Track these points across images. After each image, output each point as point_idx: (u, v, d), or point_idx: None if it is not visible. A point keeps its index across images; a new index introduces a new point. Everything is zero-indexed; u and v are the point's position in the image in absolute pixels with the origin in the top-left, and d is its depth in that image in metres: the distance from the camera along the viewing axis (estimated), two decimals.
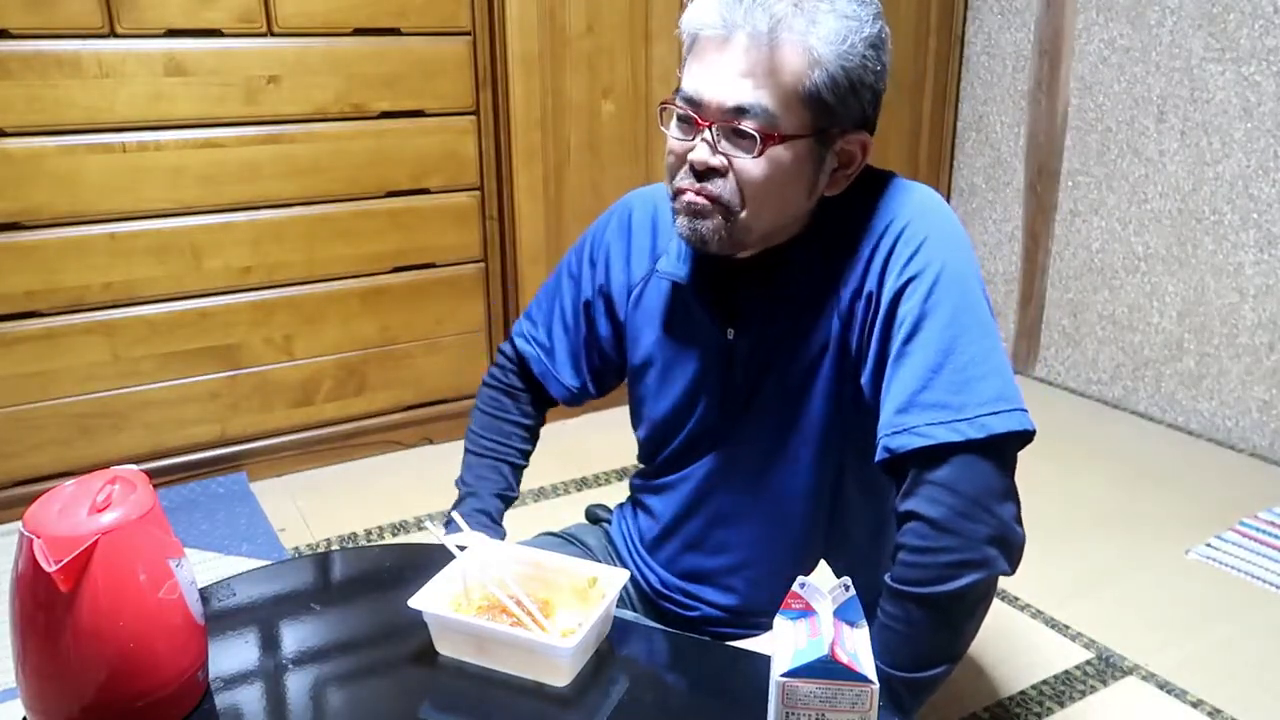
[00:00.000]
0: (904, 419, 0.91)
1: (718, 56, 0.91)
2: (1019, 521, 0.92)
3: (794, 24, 0.89)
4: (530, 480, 2.31)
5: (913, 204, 0.98)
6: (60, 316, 2.05)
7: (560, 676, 0.87)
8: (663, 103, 0.98)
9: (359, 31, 2.19)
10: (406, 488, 2.31)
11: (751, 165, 0.92)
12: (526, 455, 1.31)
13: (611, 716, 0.85)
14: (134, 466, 0.82)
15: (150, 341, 2.15)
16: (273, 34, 2.10)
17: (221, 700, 0.85)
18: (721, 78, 0.91)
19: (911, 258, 0.94)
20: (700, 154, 0.93)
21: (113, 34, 1.96)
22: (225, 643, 0.92)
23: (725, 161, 0.93)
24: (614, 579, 0.93)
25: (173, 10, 2.00)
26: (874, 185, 1.01)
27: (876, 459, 0.94)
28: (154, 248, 2.11)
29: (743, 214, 0.94)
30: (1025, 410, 0.91)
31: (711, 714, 0.88)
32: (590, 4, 2.40)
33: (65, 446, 2.12)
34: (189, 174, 2.10)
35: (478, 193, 2.43)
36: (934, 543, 0.88)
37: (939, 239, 0.95)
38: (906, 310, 0.93)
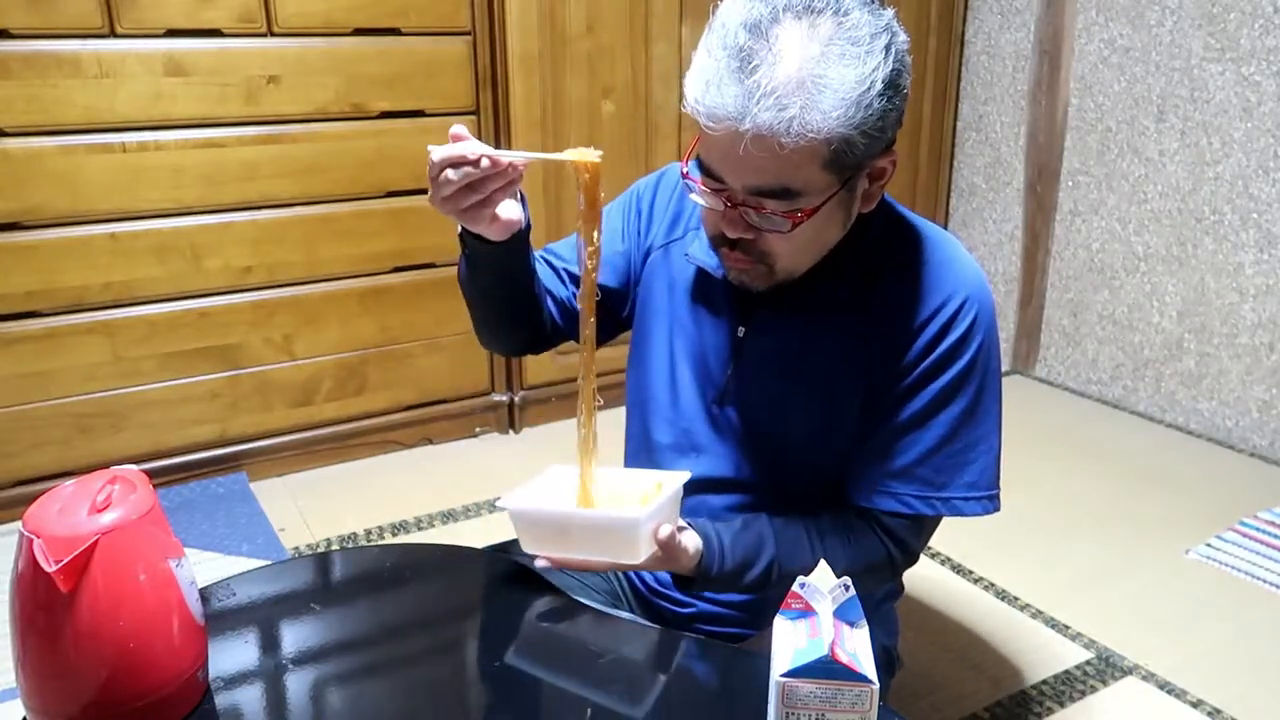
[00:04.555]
0: (892, 484, 1.01)
1: (729, 146, 0.87)
2: None
3: (805, 117, 0.83)
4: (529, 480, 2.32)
5: (965, 276, 1.00)
6: (60, 316, 2.05)
7: (636, 551, 0.91)
8: (684, 174, 0.96)
9: (359, 31, 2.19)
10: (406, 488, 2.31)
11: (784, 236, 0.92)
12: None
13: (611, 716, 0.85)
14: (134, 466, 0.82)
15: (150, 341, 2.15)
16: (273, 34, 2.10)
17: (221, 700, 0.85)
18: (736, 167, 0.88)
19: (957, 342, 0.98)
20: (733, 230, 0.93)
21: (113, 34, 1.96)
22: (225, 643, 0.92)
23: (755, 233, 0.93)
24: (678, 477, 0.98)
25: (173, 10, 2.00)
26: (916, 231, 1.02)
27: (852, 495, 1.04)
28: (154, 248, 2.11)
29: (783, 263, 0.96)
30: (994, 494, 1.03)
31: (711, 714, 0.88)
32: (590, 4, 2.40)
33: (65, 446, 2.12)
34: (189, 174, 2.10)
35: None
36: (875, 560, 1.03)
37: (982, 321, 0.99)
38: (935, 388, 0.99)
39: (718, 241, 0.97)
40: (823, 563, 0.82)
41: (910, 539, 1.03)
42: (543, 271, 1.15)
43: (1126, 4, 2.62)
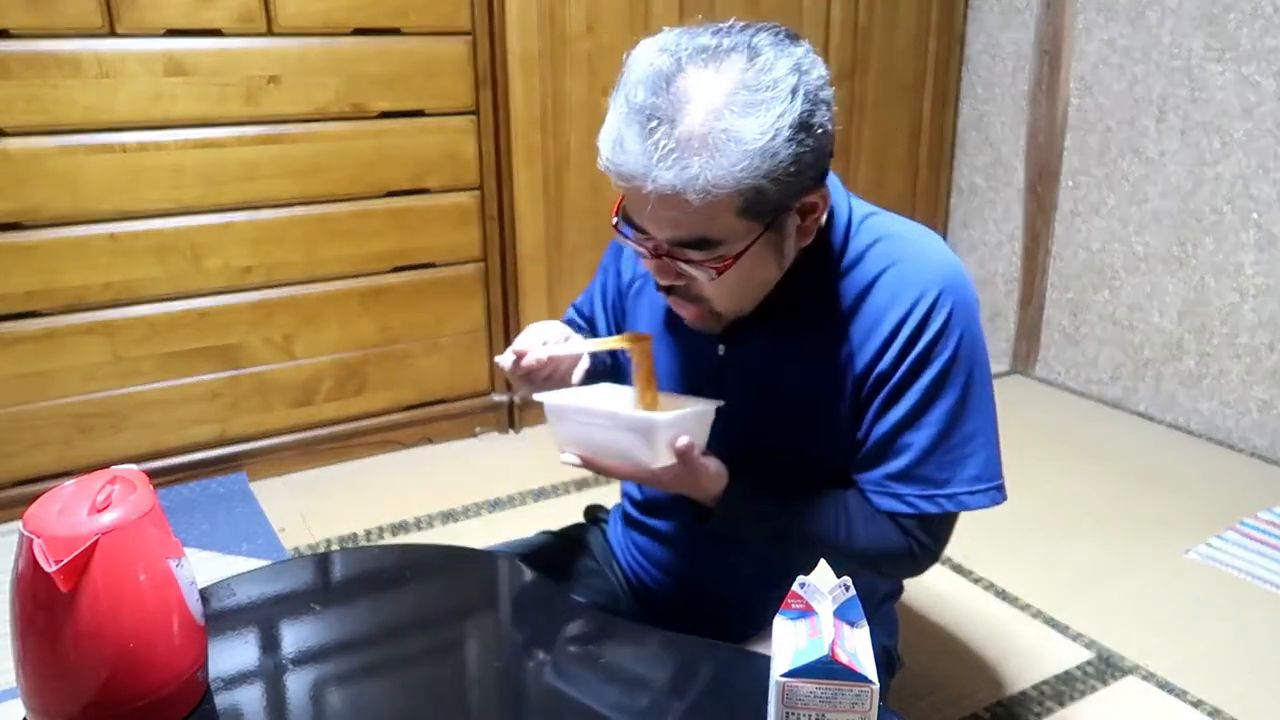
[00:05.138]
0: (894, 485, 1.01)
1: (642, 202, 0.87)
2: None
3: (708, 174, 0.83)
4: (529, 480, 2.32)
5: (936, 270, 0.98)
6: (60, 316, 2.05)
7: (653, 454, 0.92)
8: (614, 226, 0.97)
9: (359, 31, 2.19)
10: (406, 488, 2.31)
11: (714, 280, 0.93)
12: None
13: (611, 716, 0.85)
14: (134, 466, 0.82)
15: (150, 341, 2.15)
16: (273, 34, 2.10)
17: (221, 700, 0.85)
18: (653, 221, 0.89)
19: (934, 339, 0.97)
20: (663, 278, 0.95)
21: (113, 34, 1.96)
22: (225, 643, 0.92)
23: (687, 280, 0.95)
24: (712, 401, 1.00)
25: (173, 10, 2.00)
26: (890, 234, 1.01)
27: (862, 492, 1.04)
28: (154, 248, 2.11)
29: (722, 305, 0.98)
30: (1000, 485, 1.02)
31: (711, 714, 0.88)
32: (590, 4, 2.40)
33: (65, 446, 2.12)
34: (189, 174, 2.10)
35: (478, 193, 2.43)
36: (894, 547, 1.03)
37: (959, 314, 0.98)
38: (920, 387, 0.98)
39: (658, 288, 0.99)
40: (823, 563, 0.82)
41: (925, 537, 1.03)
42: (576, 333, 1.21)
43: (1126, 4, 2.62)
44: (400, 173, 2.32)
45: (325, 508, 2.21)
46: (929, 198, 3.18)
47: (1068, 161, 2.86)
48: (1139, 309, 2.74)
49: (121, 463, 2.10)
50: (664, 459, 0.93)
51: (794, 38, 0.89)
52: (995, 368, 3.11)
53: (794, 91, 0.84)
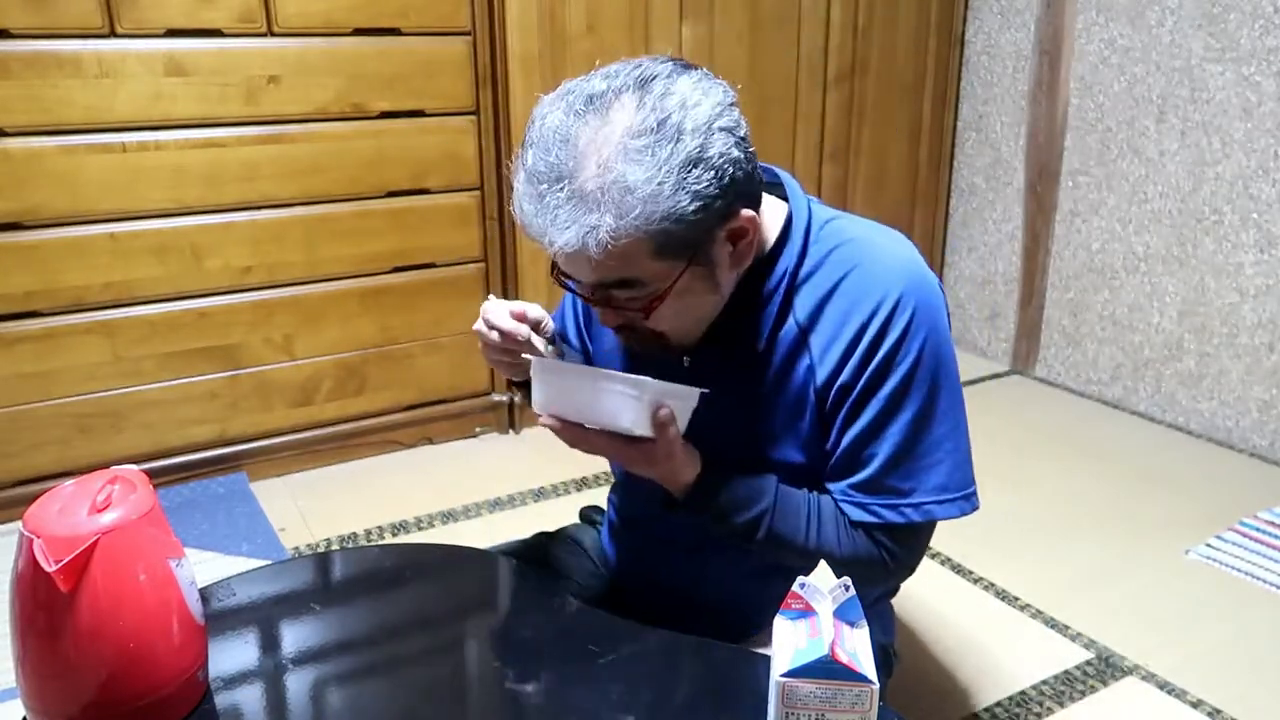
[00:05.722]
0: (860, 496, 1.00)
1: (559, 256, 0.89)
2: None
3: (600, 232, 0.84)
4: (529, 480, 2.32)
5: (895, 272, 0.97)
6: (60, 316, 2.05)
7: (634, 418, 0.91)
8: (551, 274, 0.97)
9: (359, 31, 2.19)
10: (406, 488, 2.31)
11: (651, 318, 0.93)
12: None
13: (611, 717, 0.85)
14: (134, 466, 0.82)
15: (150, 341, 2.15)
16: (273, 34, 2.10)
17: (221, 700, 0.85)
18: (574, 268, 0.90)
19: (895, 346, 0.96)
20: (604, 319, 0.97)
21: (113, 34, 1.96)
22: (225, 643, 0.92)
23: (626, 319, 0.95)
24: (696, 390, 0.97)
25: (173, 10, 2.00)
26: (849, 239, 1.00)
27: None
28: (154, 248, 2.11)
29: (669, 335, 0.98)
30: (969, 494, 1.01)
31: (711, 714, 0.88)
32: (590, 4, 2.40)
33: (65, 446, 2.12)
34: (189, 174, 2.10)
35: (478, 193, 2.43)
36: (865, 555, 1.01)
37: (921, 318, 0.96)
38: (882, 396, 0.97)
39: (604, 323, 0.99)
40: (822, 563, 0.82)
41: (895, 547, 1.01)
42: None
43: (1126, 4, 2.62)
44: (400, 173, 2.32)
45: (325, 508, 2.21)
46: (929, 198, 3.18)
47: (1068, 161, 2.86)
48: (1139, 309, 2.74)
49: (121, 463, 2.10)
50: (645, 427, 0.92)
51: (686, 67, 0.89)
52: (995, 367, 3.11)
53: (679, 130, 0.84)
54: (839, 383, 0.98)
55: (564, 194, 0.85)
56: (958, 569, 1.97)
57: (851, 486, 1.00)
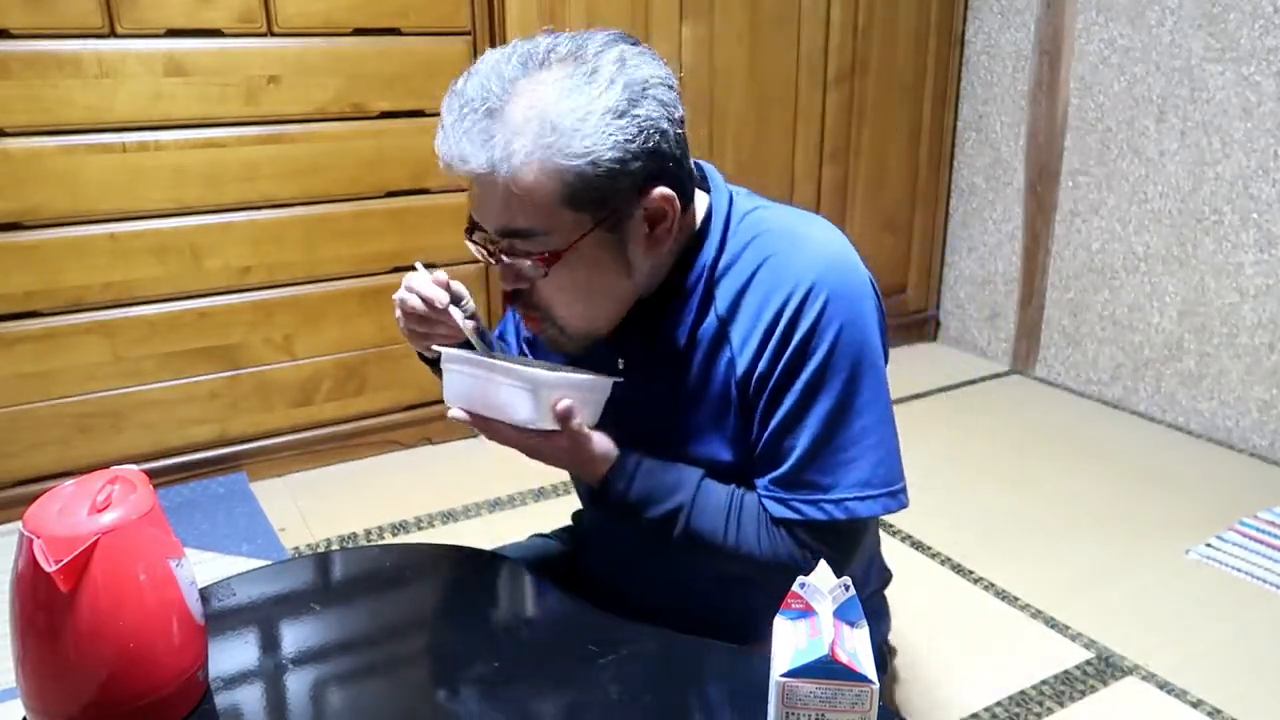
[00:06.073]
0: (780, 491, 0.98)
1: (473, 193, 0.88)
2: (851, 561, 1.02)
3: (511, 150, 0.84)
4: (527, 481, 2.32)
5: (811, 260, 0.95)
6: (60, 316, 2.05)
7: (533, 414, 0.90)
8: (465, 234, 0.96)
9: (359, 31, 2.19)
10: (406, 488, 2.31)
11: (545, 282, 0.92)
12: None
13: (611, 717, 0.85)
14: (134, 466, 0.82)
15: (150, 341, 2.15)
16: (273, 34, 2.11)
17: (221, 700, 0.85)
18: (481, 210, 0.90)
19: (809, 335, 0.93)
20: (505, 281, 0.94)
21: (113, 34, 1.96)
22: (225, 643, 0.92)
23: (527, 282, 0.93)
24: (608, 379, 0.97)
25: (173, 10, 2.00)
26: (768, 228, 0.98)
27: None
28: (154, 248, 2.11)
29: (564, 315, 0.95)
30: (895, 490, 0.98)
31: (711, 714, 0.88)
32: (590, 4, 2.40)
33: (65, 446, 2.12)
34: (189, 174, 2.10)
35: None
36: (786, 557, 0.98)
37: (837, 305, 0.93)
38: (798, 387, 0.94)
39: (504, 299, 0.98)
40: (823, 563, 0.82)
41: (819, 546, 0.97)
42: None
43: (1126, 4, 2.62)
44: (400, 173, 2.32)
45: (325, 508, 2.21)
46: (929, 198, 3.18)
47: (1068, 161, 2.86)
48: (1139, 309, 2.74)
49: (121, 463, 2.10)
50: (545, 420, 0.91)
51: (632, 41, 0.90)
52: (995, 367, 3.11)
53: (612, 81, 0.85)
54: (757, 372, 0.96)
55: (485, 112, 0.85)
56: (958, 569, 1.97)
57: (772, 481, 0.98)
